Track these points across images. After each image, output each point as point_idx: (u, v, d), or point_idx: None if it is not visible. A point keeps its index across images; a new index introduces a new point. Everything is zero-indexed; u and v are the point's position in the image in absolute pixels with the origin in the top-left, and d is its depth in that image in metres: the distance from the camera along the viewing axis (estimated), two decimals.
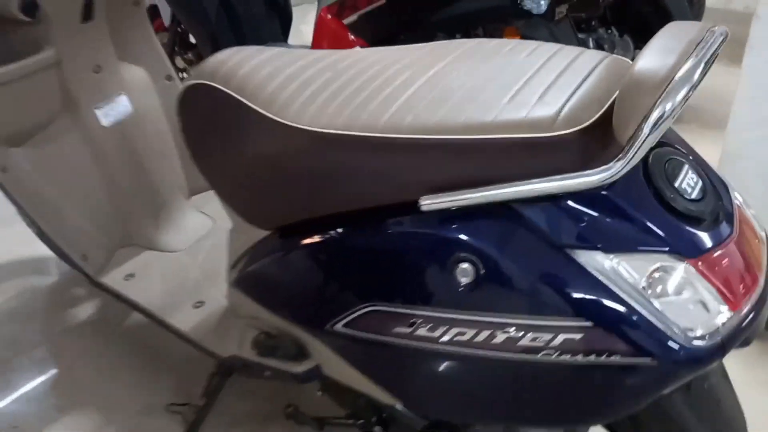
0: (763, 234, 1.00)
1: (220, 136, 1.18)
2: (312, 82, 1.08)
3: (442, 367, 1.01)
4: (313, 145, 1.02)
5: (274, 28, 2.82)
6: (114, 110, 1.58)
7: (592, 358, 0.88)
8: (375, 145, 0.96)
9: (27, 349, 1.81)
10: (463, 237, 0.92)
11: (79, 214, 1.60)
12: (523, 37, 2.15)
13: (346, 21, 2.36)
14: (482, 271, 0.91)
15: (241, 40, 2.67)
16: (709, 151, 1.16)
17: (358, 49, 1.16)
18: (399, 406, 1.12)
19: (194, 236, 1.70)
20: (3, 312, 1.95)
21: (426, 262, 0.96)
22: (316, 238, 1.09)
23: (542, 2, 2.07)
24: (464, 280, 0.93)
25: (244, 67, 1.13)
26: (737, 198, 0.99)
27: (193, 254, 1.65)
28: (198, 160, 1.26)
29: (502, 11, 2.11)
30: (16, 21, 1.39)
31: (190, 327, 1.44)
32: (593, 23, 2.65)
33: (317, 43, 2.38)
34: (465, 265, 0.92)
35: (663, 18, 2.82)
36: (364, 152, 0.98)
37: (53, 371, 1.74)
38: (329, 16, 2.37)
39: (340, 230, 1.06)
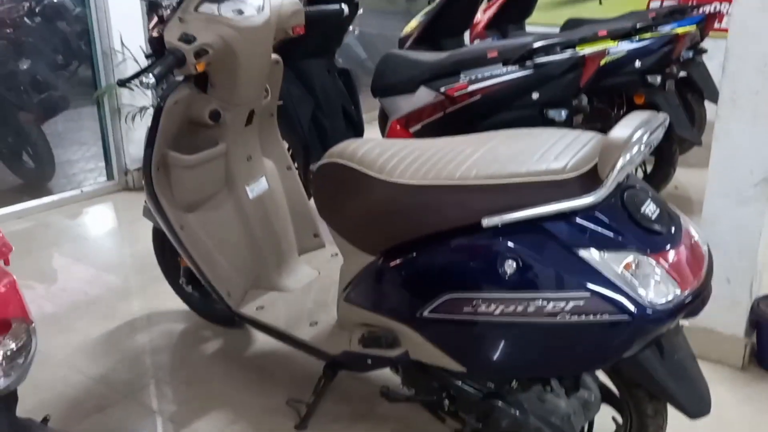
0: (705, 247, 1.54)
1: (344, 193, 1.78)
2: (408, 156, 1.69)
3: (494, 335, 1.54)
4: (411, 192, 1.62)
5: (350, 137, 3.51)
6: (258, 188, 2.23)
7: (591, 317, 1.42)
8: (454, 189, 1.56)
9: (173, 371, 2.37)
10: (509, 243, 1.49)
11: (228, 262, 2.20)
12: None
13: (412, 129, 3.05)
14: (521, 265, 1.47)
15: (326, 147, 3.36)
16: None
17: (437, 138, 1.78)
18: (464, 371, 1.64)
19: (305, 281, 2.29)
20: (152, 347, 2.53)
21: (484, 261, 1.52)
22: (409, 255, 1.66)
23: (563, 113, 2.74)
24: (509, 272, 1.48)
25: (361, 150, 1.75)
26: (687, 222, 1.54)
27: (306, 292, 2.23)
28: (324, 212, 1.86)
29: (532, 120, 2.77)
30: (204, 124, 2.07)
31: (310, 337, 1.99)
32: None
33: None
34: (510, 262, 1.48)
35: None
36: (446, 193, 1.57)
37: (195, 385, 2.28)
38: (398, 126, 3.06)
39: (425, 247, 1.63)
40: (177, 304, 2.66)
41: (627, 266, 1.42)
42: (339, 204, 1.82)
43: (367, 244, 1.78)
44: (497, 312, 1.51)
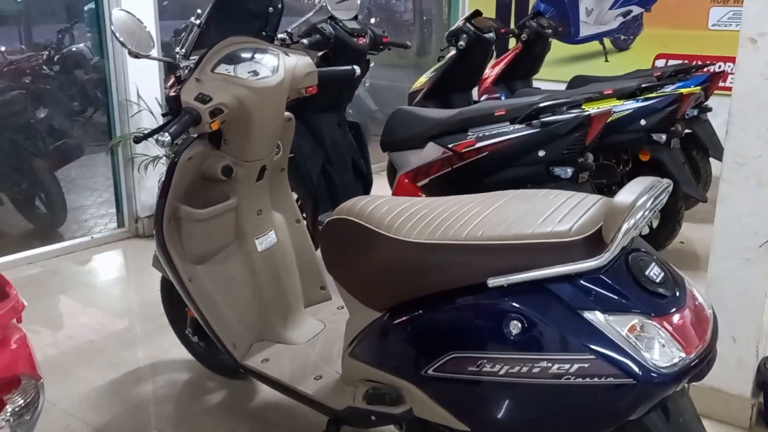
0: (710, 311, 1.55)
1: (351, 250, 1.81)
2: (416, 215, 1.72)
3: (499, 395, 1.54)
4: (418, 251, 1.65)
5: (359, 191, 3.56)
6: (267, 241, 2.26)
7: (596, 379, 1.42)
8: (460, 248, 1.58)
9: (179, 422, 2.36)
10: (514, 304, 1.51)
11: (234, 315, 2.22)
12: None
13: (420, 183, 3.10)
14: (526, 325, 1.48)
15: (335, 199, 3.41)
16: None
17: (446, 197, 1.82)
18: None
19: (311, 334, 2.29)
20: (157, 396, 2.53)
21: (489, 321, 1.54)
22: (415, 312, 1.68)
23: (568, 170, 2.79)
24: (514, 332, 1.49)
25: (369, 207, 1.78)
26: (691, 285, 1.55)
27: (311, 346, 2.23)
28: (331, 267, 1.88)
29: (538, 177, 2.81)
30: (216, 179, 2.11)
31: (314, 391, 1.99)
32: (613, 188, 3.32)
33: None
34: (515, 322, 1.50)
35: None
36: (453, 252, 1.59)
37: None
38: (407, 180, 3.11)
39: (431, 305, 1.64)
40: (182, 353, 2.66)
41: (631, 329, 1.43)
42: (346, 260, 1.84)
43: (374, 300, 1.79)
44: (502, 372, 1.51)
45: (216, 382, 2.60)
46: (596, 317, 1.44)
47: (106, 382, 2.63)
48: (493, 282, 1.51)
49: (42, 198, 4.29)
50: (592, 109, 2.90)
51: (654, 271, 1.51)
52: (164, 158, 4.05)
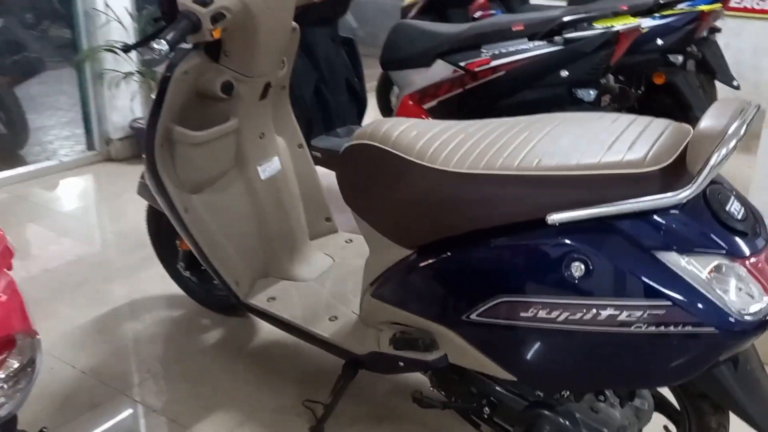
0: None
1: (376, 180, 1.59)
2: (451, 140, 1.51)
3: (554, 343, 1.38)
4: (459, 182, 1.44)
5: (353, 112, 3.31)
6: (270, 168, 2.02)
7: (671, 328, 1.26)
8: (513, 180, 1.38)
9: (172, 364, 2.18)
10: (578, 243, 1.32)
11: (236, 249, 2.00)
12: None
13: (426, 106, 2.85)
14: (591, 268, 1.31)
15: (329, 122, 3.17)
16: None
17: (481, 120, 1.60)
18: (512, 380, 1.48)
19: (320, 270, 2.10)
20: (146, 335, 2.33)
21: (547, 262, 1.36)
22: (455, 252, 1.49)
23: (591, 93, 2.57)
24: (577, 275, 1.32)
25: (396, 131, 1.56)
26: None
27: (322, 283, 2.04)
28: (351, 199, 1.67)
29: (559, 99, 2.59)
30: (215, 97, 1.85)
31: (330, 334, 1.81)
32: (622, 111, 3.13)
33: None
34: (578, 264, 1.32)
35: (683, 109, 3.29)
36: (503, 185, 1.39)
37: (197, 381, 2.09)
38: (411, 102, 2.86)
39: (476, 243, 1.45)
40: (171, 288, 2.45)
41: (711, 272, 1.27)
42: (370, 191, 1.63)
43: (403, 236, 1.60)
44: (560, 319, 1.35)
45: (211, 320, 2.41)
46: (673, 259, 1.27)
47: (89, 319, 2.42)
48: (553, 219, 1.32)
49: (1, 117, 3.94)
50: (618, 25, 2.66)
51: (734, 207, 1.33)
52: (137, 75, 3.72)
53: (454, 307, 1.50)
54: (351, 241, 2.25)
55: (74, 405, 1.99)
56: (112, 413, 1.97)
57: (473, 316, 1.46)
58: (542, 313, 1.36)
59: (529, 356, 1.44)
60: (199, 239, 1.94)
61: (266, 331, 2.29)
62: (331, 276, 2.08)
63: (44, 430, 1.37)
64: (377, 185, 1.60)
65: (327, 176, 2.35)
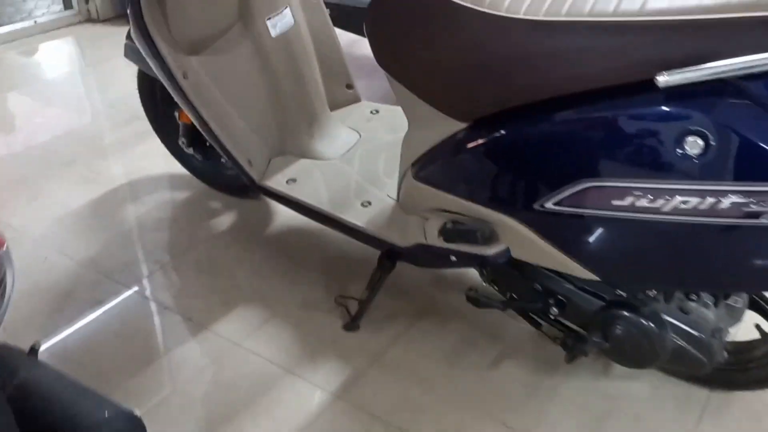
0: None
1: (420, 33, 1.26)
2: None
3: (655, 238, 1.12)
4: (535, 33, 1.11)
5: None
6: (281, 22, 1.67)
7: None
8: (608, 29, 1.05)
9: (182, 254, 1.94)
10: (695, 111, 1.02)
11: (246, 120, 1.70)
12: None
13: None
14: (712, 143, 1.01)
15: None
16: None
17: None
18: (592, 279, 1.24)
19: (345, 146, 1.81)
20: (150, 221, 2.07)
21: (653, 137, 1.06)
22: (527, 125, 1.19)
23: None
24: (694, 152, 1.03)
25: None
26: None
27: (348, 161, 1.76)
28: (386, 58, 1.35)
29: None
30: None
31: (365, 222, 1.55)
32: None
33: None
34: (695, 138, 1.02)
35: None
36: (595, 36, 1.07)
37: (212, 273, 1.86)
38: None
39: (553, 114, 1.15)
40: (172, 166, 2.18)
41: None
42: (411, 48, 1.30)
43: (456, 106, 1.29)
44: (667, 209, 1.07)
45: (222, 203, 2.15)
46: None
47: (83, 203, 2.16)
48: (665, 79, 1.01)
49: None
50: None
51: None
52: None
53: (523, 193, 1.23)
54: (377, 111, 1.93)
55: (74, 303, 1.77)
56: (120, 312, 1.75)
57: (549, 205, 1.19)
58: (643, 202, 1.09)
59: (619, 254, 1.18)
60: (202, 110, 1.63)
61: (286, 216, 2.03)
62: (359, 153, 1.79)
63: (36, 346, 1.14)
64: (421, 40, 1.27)
65: (340, 37, 1.99)
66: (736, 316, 1.36)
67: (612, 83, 1.09)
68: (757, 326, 1.41)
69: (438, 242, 1.41)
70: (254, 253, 1.92)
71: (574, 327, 1.41)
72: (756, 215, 1.02)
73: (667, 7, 1.02)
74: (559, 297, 1.38)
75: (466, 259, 1.40)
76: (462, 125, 1.30)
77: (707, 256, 1.11)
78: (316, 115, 1.80)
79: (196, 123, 1.67)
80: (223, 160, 1.81)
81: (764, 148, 0.99)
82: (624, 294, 1.30)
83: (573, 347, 1.42)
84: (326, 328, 1.67)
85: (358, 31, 2.39)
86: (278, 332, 1.67)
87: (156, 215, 2.10)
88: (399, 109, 1.92)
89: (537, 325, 1.50)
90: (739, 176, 1.01)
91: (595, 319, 1.33)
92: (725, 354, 1.31)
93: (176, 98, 1.64)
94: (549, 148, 1.17)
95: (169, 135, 2.09)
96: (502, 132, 1.22)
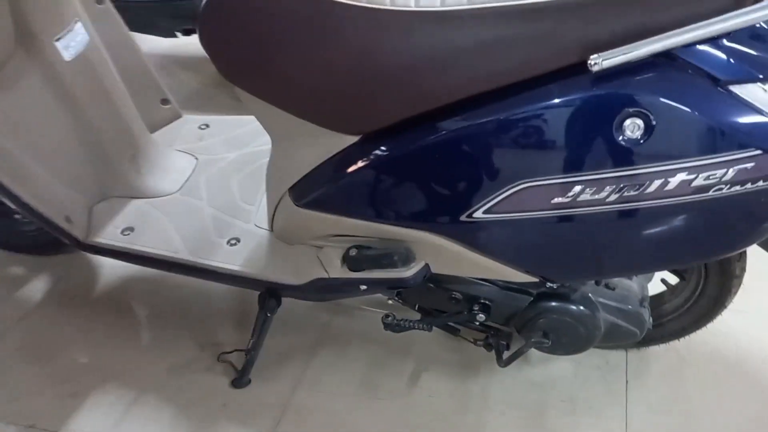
0: None
1: (280, 38, 1.04)
2: None
3: (602, 227, 1.03)
4: (435, 27, 0.95)
5: None
6: (74, 40, 1.30)
7: (761, 183, 0.95)
8: (523, 14, 0.92)
9: (1, 339, 1.52)
10: (631, 92, 0.93)
11: (51, 168, 1.33)
12: None
13: None
14: (653, 123, 0.93)
15: None
16: None
17: None
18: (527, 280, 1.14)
19: (182, 176, 1.51)
20: None
21: (588, 125, 0.96)
22: (441, 131, 1.02)
23: None
24: (635, 135, 0.94)
25: None
26: None
27: (193, 193, 1.47)
28: (235, 71, 1.11)
29: None
30: None
31: (241, 264, 1.30)
32: None
33: None
34: (633, 120, 0.94)
35: None
36: (507, 24, 0.92)
37: (44, 357, 1.47)
38: None
39: (474, 115, 1.00)
40: None
41: None
42: (271, 54, 1.06)
43: (343, 118, 1.09)
44: (611, 198, 0.99)
45: (24, 266, 1.72)
46: (755, 92, 0.93)
47: None
48: (598, 60, 0.90)
49: None
50: None
51: None
52: None
53: (446, 206, 1.07)
54: (207, 126, 1.64)
55: None
56: None
57: (478, 214, 1.05)
58: (585, 195, 0.99)
59: (560, 251, 1.08)
60: None
61: (112, 265, 1.66)
62: (203, 181, 1.50)
63: None
64: (286, 44, 1.04)
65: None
66: (649, 277, 1.36)
67: (535, 74, 0.96)
68: (663, 280, 1.42)
69: (343, 273, 1.21)
70: (90, 321, 1.57)
71: (501, 327, 1.32)
72: (705, 189, 0.96)
73: None
74: (483, 301, 1.26)
75: (380, 285, 1.22)
76: (352, 139, 1.10)
77: (655, 238, 1.04)
78: (137, 144, 1.48)
79: None
80: (17, 216, 1.43)
81: (707, 120, 0.93)
82: (553, 285, 1.22)
83: (497, 346, 1.33)
84: (211, 391, 1.41)
85: (151, 31, 2.05)
86: (153, 412, 1.37)
87: None
88: (232, 118, 1.67)
89: (454, 331, 1.38)
90: (684, 153, 0.95)
91: (526, 315, 1.24)
92: (651, 320, 1.29)
93: None
94: (471, 154, 1.02)
95: None
96: (412, 142, 1.05)
